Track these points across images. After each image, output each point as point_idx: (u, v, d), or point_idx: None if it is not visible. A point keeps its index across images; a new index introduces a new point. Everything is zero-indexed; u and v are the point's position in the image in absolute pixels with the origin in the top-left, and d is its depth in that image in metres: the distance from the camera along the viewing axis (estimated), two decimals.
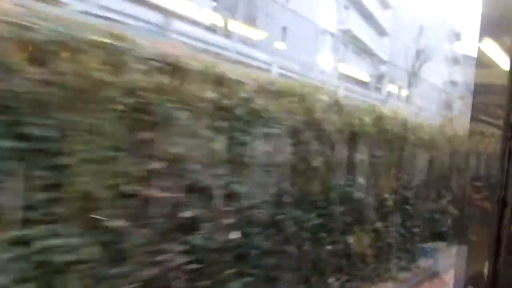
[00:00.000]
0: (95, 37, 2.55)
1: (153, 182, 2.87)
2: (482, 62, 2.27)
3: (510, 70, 2.06)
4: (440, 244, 6.82)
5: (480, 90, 2.31)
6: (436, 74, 27.61)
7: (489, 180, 2.18)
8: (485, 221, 2.10)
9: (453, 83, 30.82)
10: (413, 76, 25.10)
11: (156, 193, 2.87)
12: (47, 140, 2.34)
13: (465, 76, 27.06)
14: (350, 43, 21.00)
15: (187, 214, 3.05)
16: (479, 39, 2.25)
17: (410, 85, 24.53)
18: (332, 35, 18.73)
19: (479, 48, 2.25)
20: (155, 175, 2.88)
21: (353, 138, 4.98)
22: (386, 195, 5.68)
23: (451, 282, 2.76)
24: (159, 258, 2.87)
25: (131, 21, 7.12)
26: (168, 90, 2.91)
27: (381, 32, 28.90)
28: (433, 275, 6.28)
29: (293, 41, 14.84)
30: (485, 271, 2.05)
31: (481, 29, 2.25)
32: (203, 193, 3.20)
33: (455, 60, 34.76)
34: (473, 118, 2.31)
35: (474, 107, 2.30)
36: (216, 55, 6.47)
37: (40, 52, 2.33)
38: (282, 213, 3.93)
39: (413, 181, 6.49)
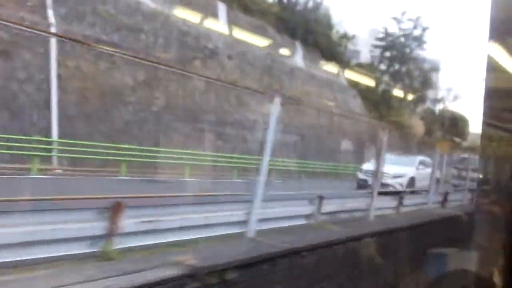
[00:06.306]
0: None
1: None
2: (492, 66, 2.23)
3: None
4: None
5: (490, 94, 2.28)
6: None
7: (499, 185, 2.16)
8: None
9: None
10: None
11: None
12: None
13: None
14: None
15: None
16: (488, 42, 2.21)
17: None
18: None
19: (488, 51, 2.21)
20: None
21: None
22: None
23: None
24: None
25: None
26: None
27: None
28: None
29: None
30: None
31: (490, 32, 2.20)
32: None
33: None
34: (484, 122, 2.29)
35: (485, 111, 2.28)
36: None
37: None
38: None
39: None
